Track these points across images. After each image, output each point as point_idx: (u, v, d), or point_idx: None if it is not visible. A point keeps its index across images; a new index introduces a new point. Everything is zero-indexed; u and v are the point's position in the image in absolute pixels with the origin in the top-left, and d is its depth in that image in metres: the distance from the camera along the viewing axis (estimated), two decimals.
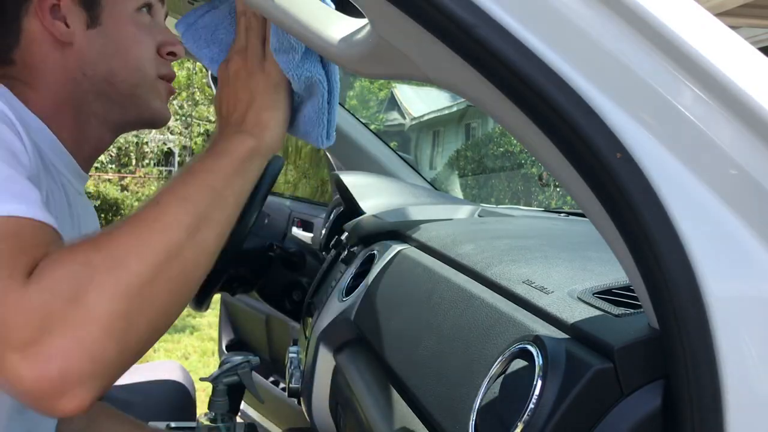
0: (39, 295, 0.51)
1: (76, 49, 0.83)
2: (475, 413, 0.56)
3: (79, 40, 0.83)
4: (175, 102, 11.87)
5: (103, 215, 8.59)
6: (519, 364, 0.54)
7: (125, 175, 11.88)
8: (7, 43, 0.82)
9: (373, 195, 1.42)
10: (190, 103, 12.93)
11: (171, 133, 12.90)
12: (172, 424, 1.27)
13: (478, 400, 0.56)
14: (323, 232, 1.68)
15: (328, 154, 2.06)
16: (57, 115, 0.82)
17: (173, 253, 0.58)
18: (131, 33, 0.84)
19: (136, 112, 0.87)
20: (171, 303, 0.59)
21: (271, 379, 2.25)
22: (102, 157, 10.04)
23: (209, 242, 0.63)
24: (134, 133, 10.65)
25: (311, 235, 2.15)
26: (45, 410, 0.52)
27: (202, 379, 1.29)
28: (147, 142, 12.94)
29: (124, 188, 10.61)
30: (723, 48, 0.46)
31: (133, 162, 13.10)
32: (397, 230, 1.15)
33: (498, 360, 0.57)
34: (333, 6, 0.65)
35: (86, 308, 0.51)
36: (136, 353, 0.56)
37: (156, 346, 4.46)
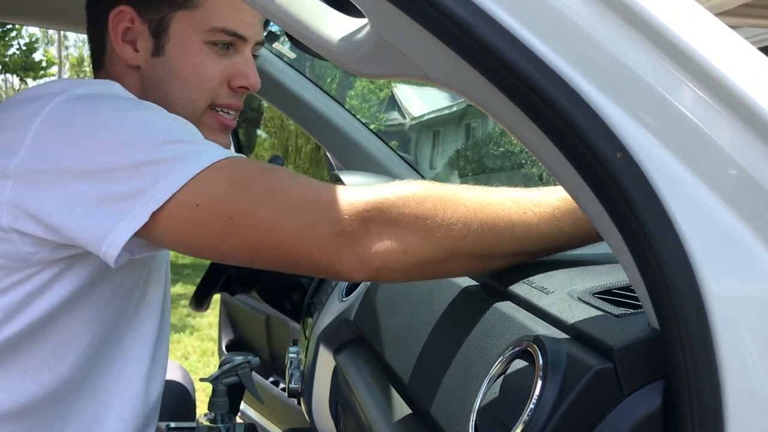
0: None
1: (142, 72, 0.89)
2: (475, 413, 0.56)
3: (145, 65, 0.88)
4: None
5: None
6: (519, 364, 0.54)
7: None
8: (98, 46, 0.91)
9: None
10: None
11: None
12: (172, 425, 1.26)
13: (478, 401, 0.56)
14: None
15: (328, 154, 2.05)
16: None
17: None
18: (192, 66, 0.88)
19: None
20: None
21: (271, 379, 2.25)
22: None
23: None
24: None
25: None
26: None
27: (202, 380, 1.29)
28: None
29: None
30: (723, 48, 0.46)
31: None
32: None
33: (498, 360, 0.57)
34: None
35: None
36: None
37: None
